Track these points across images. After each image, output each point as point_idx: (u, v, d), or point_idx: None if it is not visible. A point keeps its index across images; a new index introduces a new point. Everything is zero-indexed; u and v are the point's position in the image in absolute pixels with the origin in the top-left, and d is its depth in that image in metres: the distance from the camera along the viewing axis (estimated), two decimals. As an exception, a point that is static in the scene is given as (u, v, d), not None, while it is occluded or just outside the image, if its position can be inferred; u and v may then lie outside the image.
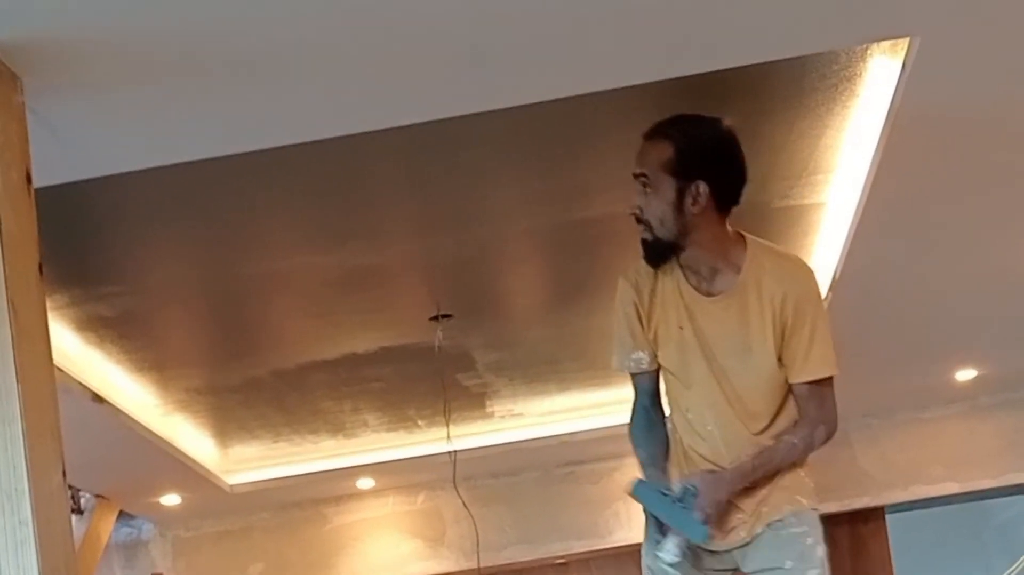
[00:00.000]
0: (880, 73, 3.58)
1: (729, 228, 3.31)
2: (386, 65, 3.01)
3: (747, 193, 3.35)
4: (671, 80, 3.30)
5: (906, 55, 3.40)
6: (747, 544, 3.40)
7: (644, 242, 3.32)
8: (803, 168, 4.10)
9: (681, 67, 3.26)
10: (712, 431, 3.39)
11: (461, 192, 4.03)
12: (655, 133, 3.28)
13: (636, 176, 3.30)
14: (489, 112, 3.34)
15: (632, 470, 3.34)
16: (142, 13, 2.64)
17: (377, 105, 3.23)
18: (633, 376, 3.51)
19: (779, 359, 3.30)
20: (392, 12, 2.77)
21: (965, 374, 6.64)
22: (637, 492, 3.38)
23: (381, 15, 2.77)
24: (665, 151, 3.24)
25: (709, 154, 3.24)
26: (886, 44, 3.43)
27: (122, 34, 2.71)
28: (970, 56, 3.39)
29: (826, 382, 3.37)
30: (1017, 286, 5.25)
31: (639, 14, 2.93)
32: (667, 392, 3.50)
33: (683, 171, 3.22)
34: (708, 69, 3.30)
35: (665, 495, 3.32)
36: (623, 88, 3.30)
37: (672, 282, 3.36)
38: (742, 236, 3.33)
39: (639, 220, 3.30)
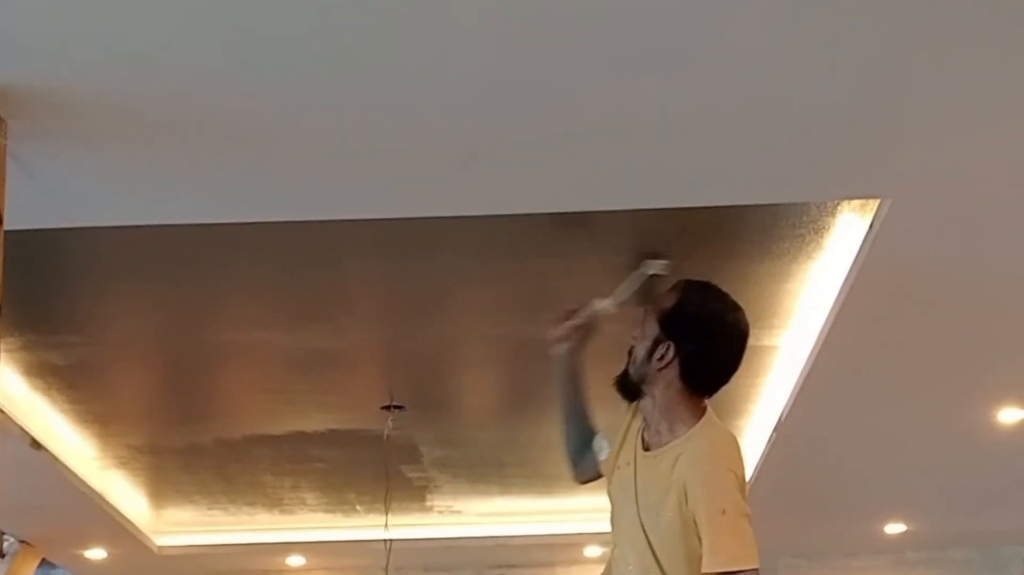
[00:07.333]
0: (847, 228, 3.68)
1: (694, 405, 3.24)
2: (377, 156, 3.05)
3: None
4: (650, 210, 3.38)
5: (875, 215, 3.49)
6: None
7: (621, 372, 3.37)
8: (762, 311, 4.16)
9: (661, 199, 3.34)
10: (632, 572, 3.39)
11: (429, 290, 4.08)
12: (682, 284, 3.30)
13: (644, 308, 3.36)
14: (468, 216, 3.41)
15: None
16: (142, 73, 2.65)
17: (361, 195, 3.27)
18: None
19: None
20: (393, 103, 2.80)
21: (894, 527, 6.75)
22: None
23: (381, 105, 2.81)
24: (669, 301, 3.27)
25: (695, 325, 3.22)
26: (856, 202, 3.53)
27: (117, 90, 2.72)
28: (935, 220, 3.48)
29: None
30: (954, 448, 5.34)
31: (630, 139, 2.99)
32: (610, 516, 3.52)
33: (667, 326, 3.25)
34: (686, 204, 3.38)
35: None
36: (601, 211, 3.38)
37: (638, 422, 3.40)
38: (703, 416, 3.24)
39: (629, 350, 3.35)
